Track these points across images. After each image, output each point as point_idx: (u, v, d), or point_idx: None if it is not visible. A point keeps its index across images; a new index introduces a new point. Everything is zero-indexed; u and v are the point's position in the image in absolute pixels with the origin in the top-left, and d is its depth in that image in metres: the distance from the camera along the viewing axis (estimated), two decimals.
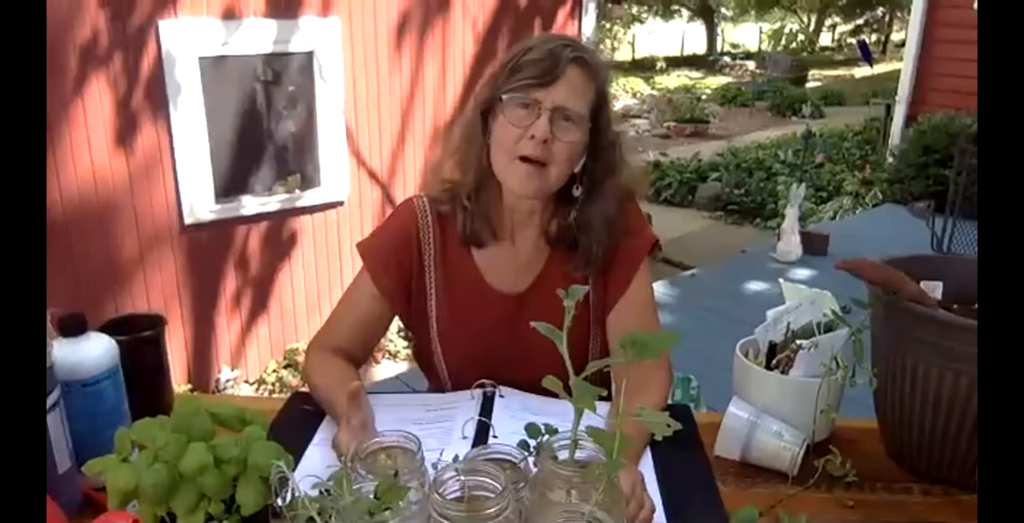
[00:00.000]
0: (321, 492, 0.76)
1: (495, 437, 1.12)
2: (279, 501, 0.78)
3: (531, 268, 1.31)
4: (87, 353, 1.02)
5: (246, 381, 4.32)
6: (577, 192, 1.24)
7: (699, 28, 23.44)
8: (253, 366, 4.36)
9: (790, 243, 5.17)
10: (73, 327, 1.03)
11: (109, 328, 1.12)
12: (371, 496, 0.77)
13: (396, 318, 1.37)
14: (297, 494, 0.75)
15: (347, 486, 0.75)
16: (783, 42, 24.02)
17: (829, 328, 1.19)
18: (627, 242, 1.29)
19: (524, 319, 1.26)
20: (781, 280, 1.29)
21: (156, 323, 1.20)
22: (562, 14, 5.15)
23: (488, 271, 1.31)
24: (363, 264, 1.33)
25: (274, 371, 4.35)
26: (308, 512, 0.74)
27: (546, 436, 0.89)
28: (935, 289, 1.15)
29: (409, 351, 4.61)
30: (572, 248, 1.28)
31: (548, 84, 1.14)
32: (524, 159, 1.17)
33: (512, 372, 1.25)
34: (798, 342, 1.16)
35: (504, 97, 1.17)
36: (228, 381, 4.21)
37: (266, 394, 4.23)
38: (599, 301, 1.30)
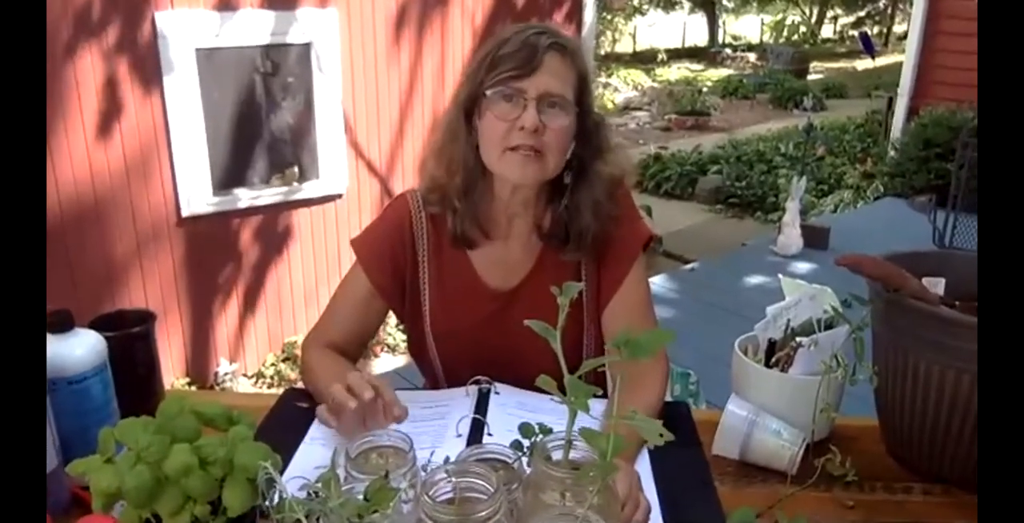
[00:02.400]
0: (309, 494, 0.75)
1: (490, 435, 1.11)
2: (266, 503, 0.76)
3: (523, 264, 1.29)
4: (73, 350, 1.00)
5: (244, 374, 4.32)
6: (568, 179, 1.23)
7: (700, 20, 23.34)
8: (251, 359, 4.35)
9: (791, 236, 5.15)
10: (60, 323, 1.01)
11: (99, 324, 1.11)
12: (360, 497, 0.75)
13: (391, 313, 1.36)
14: (284, 496, 0.73)
15: (335, 488, 0.74)
16: (785, 34, 23.95)
17: (829, 325, 1.17)
18: (621, 235, 1.28)
19: (515, 315, 1.25)
20: (780, 276, 1.27)
21: (146, 319, 1.18)
22: (562, 5, 5.11)
23: (481, 266, 1.30)
24: (356, 259, 1.32)
25: (272, 364, 4.34)
26: (295, 514, 0.72)
27: (540, 436, 0.87)
28: (937, 285, 1.13)
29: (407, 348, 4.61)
30: (565, 243, 1.26)
31: (530, 73, 1.13)
32: (516, 148, 1.15)
33: (506, 368, 1.23)
34: (798, 339, 1.14)
35: (487, 93, 1.15)
36: (227, 374, 4.21)
37: (265, 387, 4.22)
38: (592, 297, 1.28)
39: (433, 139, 1.27)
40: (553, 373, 0.77)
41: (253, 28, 3.88)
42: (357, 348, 1.33)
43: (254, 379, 4.31)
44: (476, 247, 1.29)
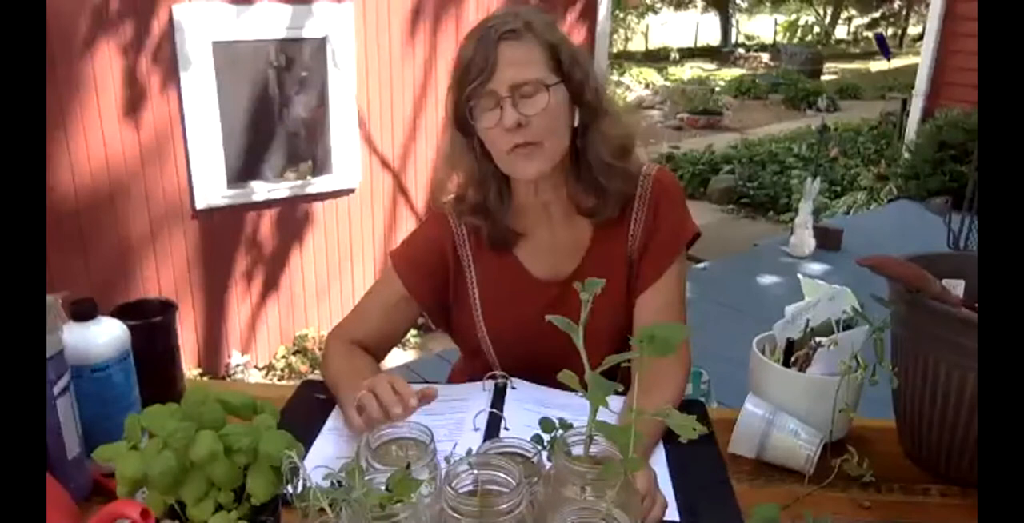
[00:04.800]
0: (332, 483, 0.75)
1: (507, 429, 1.11)
2: (290, 491, 0.77)
3: (574, 253, 1.28)
4: (97, 338, 1.01)
5: (255, 367, 4.34)
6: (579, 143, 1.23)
7: (713, 19, 23.25)
8: (263, 352, 4.37)
9: (803, 237, 5.13)
10: (84, 312, 1.02)
11: (120, 313, 1.12)
12: (383, 488, 0.76)
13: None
14: (308, 484, 0.74)
15: (359, 477, 0.74)
16: (798, 34, 23.83)
17: (848, 326, 1.17)
18: (668, 229, 1.26)
19: (571, 305, 1.25)
20: (800, 276, 1.27)
21: (167, 309, 1.19)
22: (576, 3, 5.10)
23: (529, 260, 1.29)
24: (392, 267, 1.31)
25: (283, 357, 4.36)
26: (319, 503, 0.73)
27: (560, 431, 0.88)
28: (957, 287, 1.13)
29: (418, 340, 4.62)
30: (612, 220, 1.25)
31: (491, 74, 1.13)
32: (514, 148, 1.16)
33: (563, 360, 1.23)
34: (817, 339, 1.14)
35: (468, 108, 1.17)
36: (238, 366, 4.23)
37: (275, 380, 4.24)
38: (634, 285, 1.28)
39: (441, 155, 1.28)
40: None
41: (269, 22, 3.89)
42: (383, 348, 1.33)
43: (265, 371, 4.33)
44: (516, 245, 1.29)
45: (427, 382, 1.49)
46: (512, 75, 1.13)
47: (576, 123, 1.21)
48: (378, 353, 1.31)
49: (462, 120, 1.20)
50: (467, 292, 1.31)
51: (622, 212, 1.26)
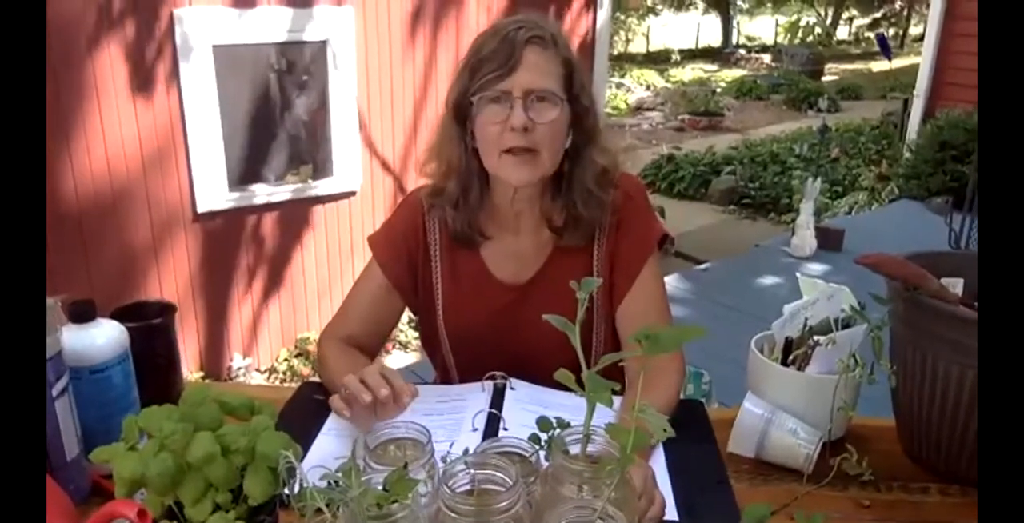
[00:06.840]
0: (329, 483, 0.75)
1: (505, 429, 1.11)
2: (287, 491, 0.77)
3: (535, 259, 1.30)
4: (96, 340, 1.01)
5: (257, 369, 4.34)
6: (566, 166, 1.23)
7: (714, 20, 23.25)
8: (264, 354, 4.38)
9: (804, 238, 5.12)
10: (82, 313, 1.02)
11: (120, 315, 1.12)
12: (380, 488, 0.76)
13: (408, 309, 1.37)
14: (305, 485, 0.74)
15: (356, 477, 0.74)
16: (799, 35, 23.83)
17: (847, 324, 1.16)
18: (634, 233, 1.27)
19: (528, 310, 1.26)
20: (799, 275, 1.27)
21: (166, 311, 1.19)
22: (577, 4, 5.11)
23: (492, 261, 1.30)
24: (373, 256, 1.33)
25: (285, 360, 4.36)
26: (316, 503, 0.73)
27: (557, 430, 0.88)
28: (956, 286, 1.13)
29: (419, 341, 4.62)
30: (577, 239, 1.26)
31: (510, 72, 1.13)
32: (511, 151, 1.16)
33: (518, 363, 1.24)
34: (815, 338, 1.14)
35: (474, 99, 1.16)
36: (240, 369, 4.23)
37: (277, 382, 4.24)
38: (604, 295, 1.29)
39: (430, 143, 1.28)
40: (566, 368, 0.77)
41: (270, 25, 3.90)
42: (375, 343, 1.34)
43: (267, 374, 4.34)
44: (479, 245, 1.29)
45: (425, 384, 1.50)
46: (530, 80, 1.13)
47: (568, 145, 1.21)
48: (370, 348, 1.32)
49: (461, 110, 1.20)
50: (431, 282, 1.32)
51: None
